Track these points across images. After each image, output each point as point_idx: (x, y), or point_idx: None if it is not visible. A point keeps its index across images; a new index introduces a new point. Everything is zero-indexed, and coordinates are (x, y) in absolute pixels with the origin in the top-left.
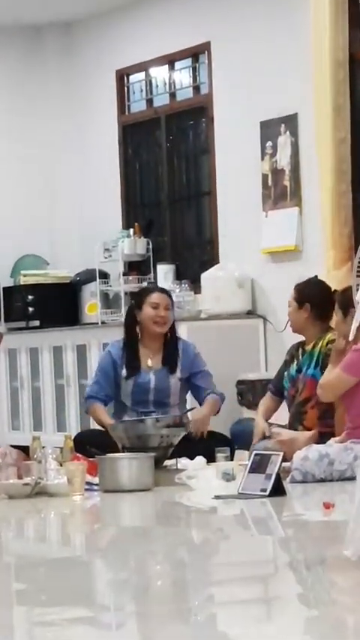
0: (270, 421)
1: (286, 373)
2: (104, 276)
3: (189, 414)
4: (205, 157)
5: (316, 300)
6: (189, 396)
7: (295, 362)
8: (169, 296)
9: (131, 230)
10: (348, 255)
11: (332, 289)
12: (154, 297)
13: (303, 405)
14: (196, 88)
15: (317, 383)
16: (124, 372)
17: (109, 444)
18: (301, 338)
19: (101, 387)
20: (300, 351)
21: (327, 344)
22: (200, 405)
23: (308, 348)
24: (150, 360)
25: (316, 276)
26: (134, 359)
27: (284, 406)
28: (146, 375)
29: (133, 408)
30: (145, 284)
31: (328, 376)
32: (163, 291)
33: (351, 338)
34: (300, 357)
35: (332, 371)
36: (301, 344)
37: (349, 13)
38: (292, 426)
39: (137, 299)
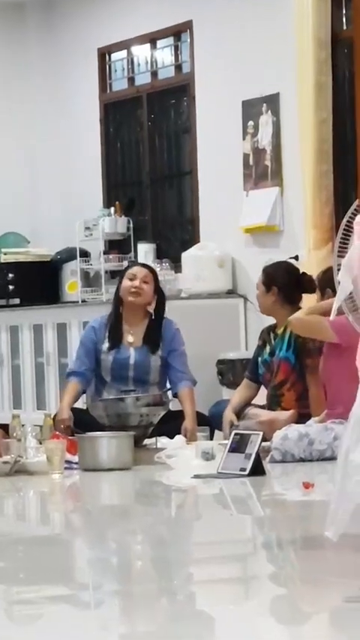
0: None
1: (259, 358)
2: (85, 254)
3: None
4: (186, 136)
5: (283, 283)
6: None
7: (268, 346)
8: (152, 271)
9: (112, 209)
10: (329, 235)
11: (301, 272)
12: (133, 269)
13: (279, 387)
14: (178, 67)
15: (291, 365)
16: (104, 346)
17: (89, 423)
18: (273, 320)
19: (82, 362)
20: (272, 334)
21: None
22: (171, 385)
23: (279, 331)
24: (130, 337)
25: (296, 257)
26: (116, 332)
27: (264, 388)
28: (126, 351)
29: (113, 384)
30: (125, 263)
31: (312, 317)
32: (144, 265)
33: (332, 318)
34: (272, 340)
35: (316, 315)
36: (272, 328)
37: None
38: (270, 408)
39: (120, 275)
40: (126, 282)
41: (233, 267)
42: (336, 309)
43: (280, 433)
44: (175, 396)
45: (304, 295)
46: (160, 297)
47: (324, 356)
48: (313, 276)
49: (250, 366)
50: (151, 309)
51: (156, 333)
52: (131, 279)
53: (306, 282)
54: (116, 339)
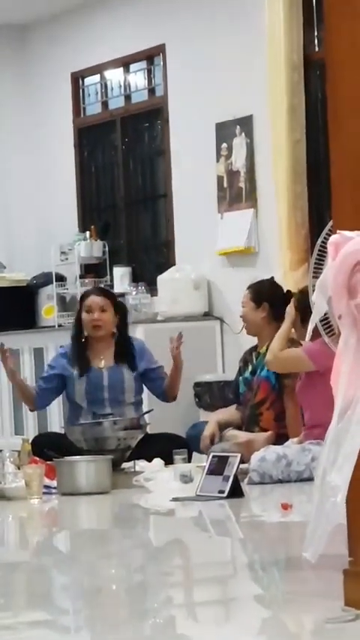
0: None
1: (240, 378)
2: (61, 279)
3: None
4: (160, 159)
5: (273, 299)
6: (146, 396)
7: (250, 366)
8: (107, 296)
9: (87, 233)
10: (304, 256)
11: (285, 290)
12: (88, 300)
13: (258, 406)
14: (152, 91)
15: (271, 385)
16: (75, 373)
17: (67, 447)
18: (254, 342)
19: (49, 380)
20: (254, 354)
21: None
22: (162, 395)
23: (262, 350)
24: (102, 361)
25: (272, 278)
26: (81, 357)
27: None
28: (99, 374)
29: (89, 408)
30: (102, 286)
31: (287, 352)
32: (99, 292)
33: (307, 339)
34: (254, 360)
35: (291, 350)
36: (254, 348)
37: (304, 14)
38: (248, 428)
39: (78, 303)
40: (85, 316)
41: (209, 290)
42: (311, 330)
43: (257, 455)
44: (162, 395)
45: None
46: (122, 313)
47: (300, 378)
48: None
49: (232, 390)
50: (114, 329)
51: (127, 348)
52: (88, 312)
53: (291, 299)
54: (83, 365)
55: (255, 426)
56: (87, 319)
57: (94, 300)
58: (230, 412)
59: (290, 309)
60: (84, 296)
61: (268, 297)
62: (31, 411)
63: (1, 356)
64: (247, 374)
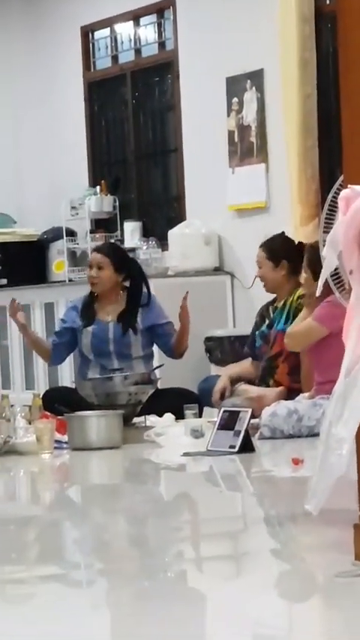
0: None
1: (257, 332)
2: (71, 234)
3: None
4: (170, 114)
5: (290, 255)
6: (157, 350)
7: (267, 320)
8: (106, 254)
9: (98, 188)
10: (315, 211)
11: (297, 242)
12: (90, 257)
13: (274, 359)
14: (162, 44)
15: None
16: (82, 323)
17: (78, 402)
18: (270, 297)
19: (61, 334)
20: (270, 309)
21: (297, 298)
22: (169, 351)
23: (279, 304)
24: (108, 315)
25: (283, 232)
26: (87, 311)
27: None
28: (104, 326)
29: (97, 361)
30: (112, 241)
31: (298, 326)
32: (99, 250)
33: (318, 294)
34: (271, 314)
35: (303, 321)
36: (271, 303)
37: None
38: (263, 380)
39: None
40: (87, 272)
41: (220, 245)
42: (321, 285)
43: (268, 410)
44: (169, 351)
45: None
46: (132, 271)
47: None
48: None
49: (248, 344)
50: (119, 286)
51: (130, 313)
52: (90, 268)
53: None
54: (88, 317)
55: (270, 379)
56: (87, 275)
57: (94, 257)
58: (242, 366)
59: (307, 300)
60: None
61: (284, 254)
62: (49, 365)
63: (11, 311)
64: (263, 327)
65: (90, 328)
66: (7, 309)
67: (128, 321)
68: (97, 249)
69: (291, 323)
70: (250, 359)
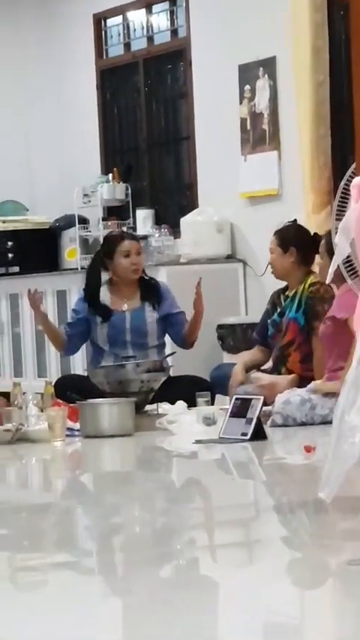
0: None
1: (269, 320)
2: (83, 221)
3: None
4: (183, 101)
5: (300, 243)
6: (168, 338)
7: (278, 308)
8: (138, 240)
9: (110, 175)
10: (327, 198)
11: (312, 233)
12: (125, 245)
13: (287, 347)
14: (174, 32)
15: (299, 326)
16: (97, 318)
17: (90, 390)
18: (281, 284)
19: (74, 325)
20: (282, 297)
21: (309, 287)
22: (180, 340)
23: (290, 293)
24: (125, 304)
25: (295, 220)
26: (99, 303)
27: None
28: (122, 316)
29: (111, 350)
30: (124, 229)
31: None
32: (132, 237)
33: (328, 281)
34: (282, 302)
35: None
36: (282, 291)
37: None
38: (275, 367)
39: (107, 248)
40: (123, 261)
41: (232, 232)
42: (332, 272)
43: (282, 397)
44: (180, 340)
45: (317, 257)
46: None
47: (325, 323)
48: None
49: (258, 330)
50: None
51: (152, 289)
52: (127, 256)
53: (319, 243)
54: (104, 310)
55: (282, 367)
56: (126, 263)
57: (131, 243)
58: (252, 354)
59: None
60: (117, 240)
61: (295, 242)
62: (62, 355)
63: (32, 302)
64: (275, 316)
65: (107, 321)
66: (19, 297)
67: (152, 299)
68: (130, 237)
69: (302, 312)
70: (256, 347)
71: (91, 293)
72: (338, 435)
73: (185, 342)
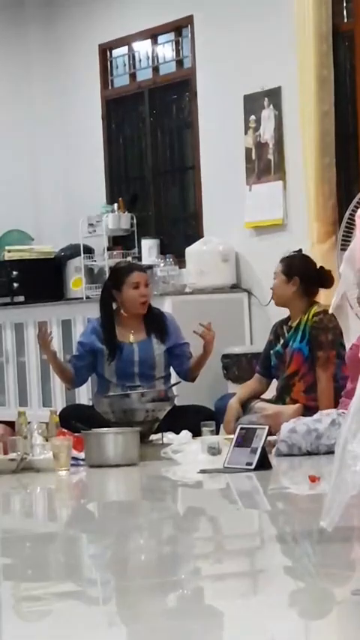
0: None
1: (272, 351)
2: (88, 251)
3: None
4: (188, 131)
5: (304, 274)
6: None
7: (281, 339)
8: (146, 271)
9: (115, 205)
10: (332, 228)
11: (319, 266)
12: (134, 276)
13: (291, 378)
14: (179, 62)
15: (303, 356)
16: (106, 351)
17: (95, 419)
18: (283, 315)
19: (81, 357)
20: (285, 328)
21: (312, 317)
22: (183, 373)
23: (293, 324)
24: (132, 336)
25: (300, 250)
26: (113, 338)
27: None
28: (130, 348)
29: (119, 382)
30: (129, 259)
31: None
32: (140, 268)
33: (331, 311)
34: (285, 333)
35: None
36: (285, 321)
37: None
38: (280, 397)
39: (115, 279)
40: (132, 292)
41: (237, 262)
42: (335, 302)
43: (288, 425)
44: (184, 373)
45: (320, 290)
46: None
47: (352, 348)
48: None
49: (260, 360)
50: None
51: (159, 321)
52: (136, 288)
53: (324, 276)
54: (116, 346)
55: (286, 397)
56: (135, 295)
57: (140, 275)
58: (249, 386)
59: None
60: (126, 272)
61: (298, 272)
62: (69, 389)
63: (41, 340)
64: (278, 347)
65: (115, 356)
66: (24, 326)
67: (159, 330)
68: (139, 268)
69: (306, 342)
70: (255, 376)
71: (108, 329)
72: (340, 464)
73: (188, 375)
